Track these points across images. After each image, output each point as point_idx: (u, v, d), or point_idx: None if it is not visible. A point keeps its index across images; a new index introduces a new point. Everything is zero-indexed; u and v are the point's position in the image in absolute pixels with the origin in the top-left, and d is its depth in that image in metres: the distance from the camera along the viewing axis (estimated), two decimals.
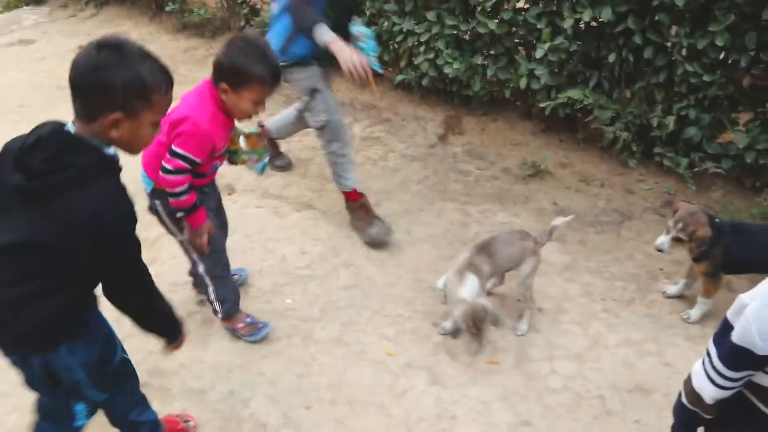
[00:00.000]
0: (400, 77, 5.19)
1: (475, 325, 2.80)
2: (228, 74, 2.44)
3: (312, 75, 3.51)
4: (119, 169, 1.79)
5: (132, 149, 1.82)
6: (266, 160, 2.87)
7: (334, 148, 3.62)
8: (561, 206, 4.04)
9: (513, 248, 3.02)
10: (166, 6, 6.96)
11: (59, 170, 1.64)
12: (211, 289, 2.93)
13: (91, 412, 2.10)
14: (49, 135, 1.68)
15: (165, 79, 1.76)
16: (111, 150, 1.76)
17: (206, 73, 5.72)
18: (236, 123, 2.66)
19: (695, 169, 4.00)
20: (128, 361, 2.22)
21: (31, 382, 1.94)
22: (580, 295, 3.34)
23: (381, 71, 3.52)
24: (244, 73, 2.42)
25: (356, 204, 3.76)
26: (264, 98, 2.51)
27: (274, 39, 3.39)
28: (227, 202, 4.01)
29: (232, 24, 6.71)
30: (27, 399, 2.64)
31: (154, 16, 7.35)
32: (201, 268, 2.87)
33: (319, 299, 3.30)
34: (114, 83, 1.65)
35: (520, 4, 4.37)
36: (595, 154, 4.49)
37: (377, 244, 3.66)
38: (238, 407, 2.70)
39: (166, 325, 2.10)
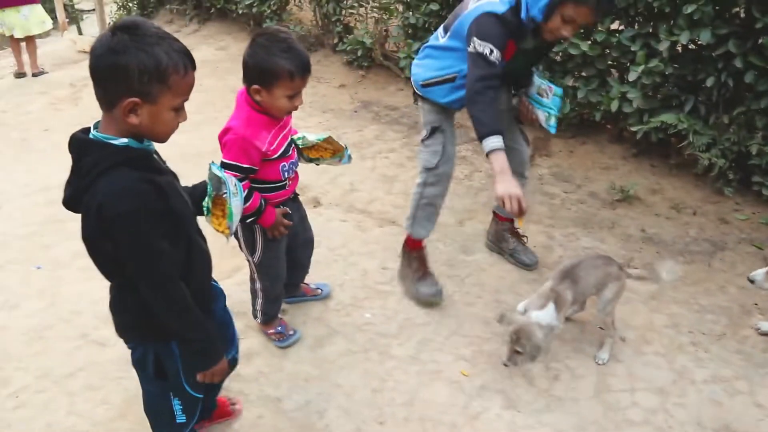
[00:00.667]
0: None
1: (519, 341, 2.72)
2: (256, 74, 2.39)
3: (439, 107, 3.29)
4: (142, 158, 1.75)
5: (157, 136, 1.76)
6: (348, 153, 2.97)
7: (429, 192, 3.36)
8: (649, 233, 3.93)
9: (597, 273, 2.95)
10: (264, 23, 7.20)
11: (80, 176, 1.70)
12: (260, 302, 3.03)
13: (188, 412, 2.18)
14: (71, 146, 1.73)
15: (183, 59, 1.67)
16: (124, 140, 1.69)
17: None
18: (305, 133, 2.72)
19: None
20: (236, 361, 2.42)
21: (139, 366, 2.06)
22: (665, 326, 3.23)
23: (554, 132, 3.44)
24: (271, 71, 2.35)
25: (415, 254, 3.49)
26: (298, 91, 2.44)
27: (424, 70, 3.24)
28: (312, 214, 4.11)
29: (325, 41, 6.87)
30: (115, 393, 2.79)
31: (252, 32, 7.60)
32: (258, 285, 2.97)
33: (398, 315, 3.31)
34: (129, 66, 1.59)
35: (614, 26, 4.30)
36: (689, 181, 4.35)
37: (425, 304, 3.40)
38: (313, 417, 2.74)
39: (196, 354, 1.98)
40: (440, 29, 3.23)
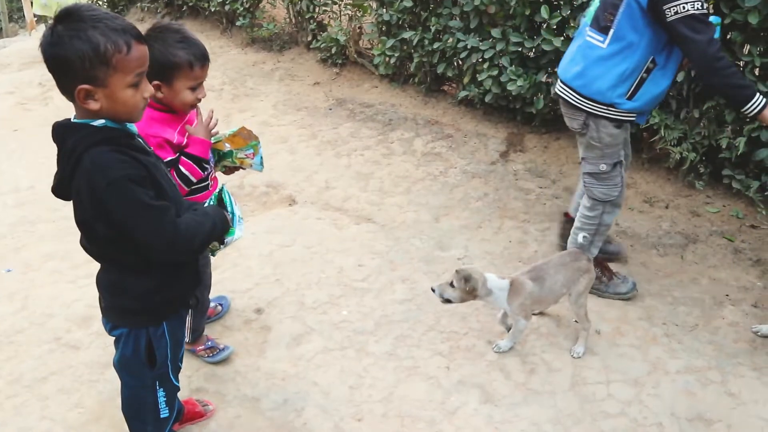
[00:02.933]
0: (462, 93, 5.19)
1: (458, 276, 2.83)
2: (154, 70, 2.13)
3: (621, 140, 3.13)
4: (122, 137, 1.76)
5: (123, 117, 1.75)
6: (261, 152, 2.68)
7: (606, 220, 3.28)
8: (623, 227, 3.97)
9: (565, 272, 2.99)
10: (237, 21, 7.15)
11: (64, 160, 1.74)
12: (188, 320, 2.85)
13: (170, 404, 2.20)
14: (54, 132, 1.77)
15: (123, 36, 1.65)
16: (101, 121, 1.72)
17: (273, 86, 5.86)
18: (216, 129, 2.55)
19: (766, 193, 3.87)
20: None
21: (129, 360, 2.07)
22: (640, 319, 3.26)
23: None
24: (169, 63, 2.26)
25: (600, 265, 3.41)
26: (200, 82, 2.36)
27: (602, 81, 2.95)
28: (287, 213, 4.11)
29: (299, 39, 6.84)
30: (89, 397, 2.75)
31: (225, 30, 7.54)
32: None
33: (374, 312, 3.31)
34: (68, 56, 1.60)
35: None
36: (661, 175, 4.39)
37: (627, 299, 3.40)
38: (290, 416, 2.73)
39: (217, 232, 1.99)
40: (587, 33, 3.00)
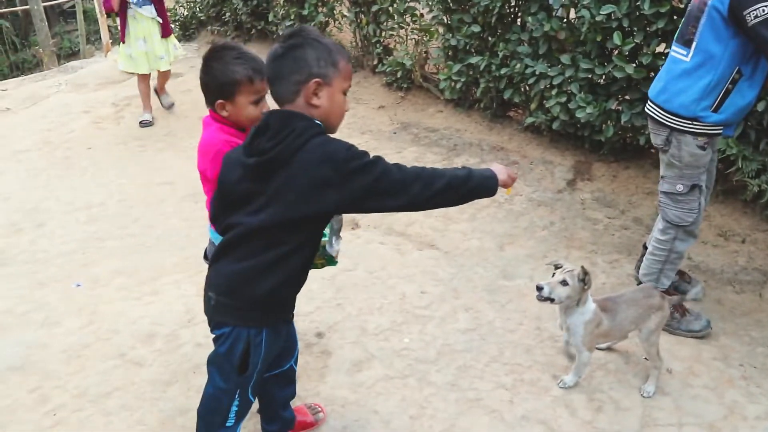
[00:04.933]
0: (530, 119, 5.12)
1: (584, 275, 2.71)
2: (217, 89, 2.36)
3: (704, 160, 3.04)
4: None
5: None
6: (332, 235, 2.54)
7: (679, 247, 3.20)
8: (696, 261, 3.82)
9: (636, 309, 2.88)
10: None
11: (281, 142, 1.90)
12: None
13: (238, 415, 2.23)
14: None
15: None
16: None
17: None
18: None
19: None
20: (294, 370, 2.52)
21: (222, 359, 2.11)
22: (714, 359, 3.12)
23: None
24: (230, 80, 2.33)
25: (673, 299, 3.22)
26: (261, 95, 2.40)
27: (686, 95, 2.92)
28: (350, 236, 4.10)
29: (365, 62, 6.89)
30: (151, 414, 2.78)
31: None
32: None
33: (437, 341, 3.25)
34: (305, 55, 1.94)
35: (660, 48, 4.22)
36: (737, 208, 4.23)
37: (701, 337, 3.27)
38: None
39: (473, 190, 2.03)
40: (673, 49, 3.02)
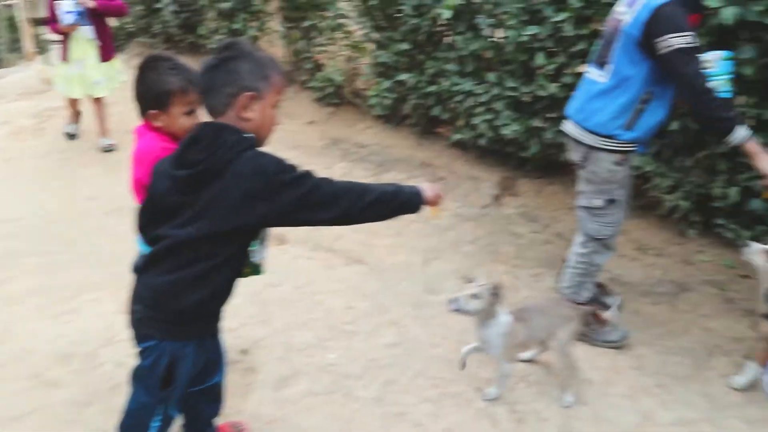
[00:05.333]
0: (457, 136, 5.21)
1: (494, 289, 2.75)
2: (151, 99, 2.36)
3: (620, 175, 3.14)
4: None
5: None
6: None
7: (597, 260, 3.31)
8: (614, 274, 3.95)
9: (548, 317, 2.96)
10: None
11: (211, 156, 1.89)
12: None
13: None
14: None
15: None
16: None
17: None
18: None
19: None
20: (220, 386, 2.44)
21: (146, 372, 2.07)
22: (631, 368, 3.22)
23: (730, 96, 2.98)
24: (164, 90, 2.33)
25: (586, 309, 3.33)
26: (194, 107, 2.40)
27: (602, 114, 3.03)
28: (277, 252, 4.07)
29: (295, 77, 6.88)
30: None
31: None
32: None
33: (363, 356, 3.26)
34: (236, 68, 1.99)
35: (581, 69, 4.36)
36: (653, 223, 4.39)
37: (618, 347, 3.38)
38: None
39: (402, 205, 2.10)
40: (591, 70, 3.13)
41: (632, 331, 3.44)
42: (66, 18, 5.49)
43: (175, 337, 2.05)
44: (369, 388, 3.05)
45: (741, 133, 2.78)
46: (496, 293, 2.74)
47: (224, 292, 2.08)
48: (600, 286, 3.63)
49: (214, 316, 2.15)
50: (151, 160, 2.31)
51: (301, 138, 5.89)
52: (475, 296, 2.72)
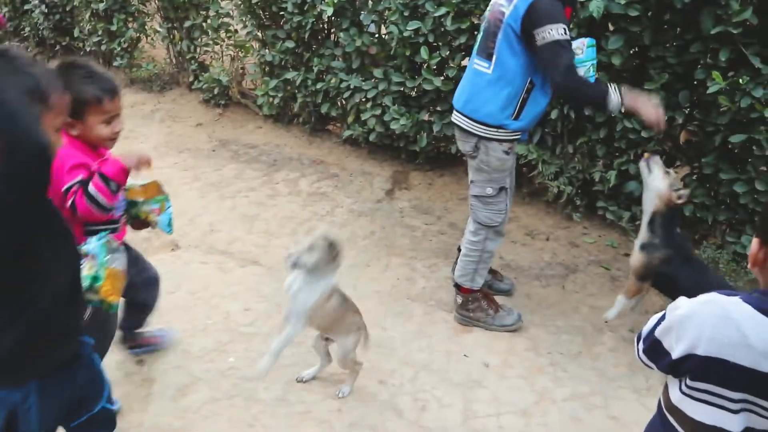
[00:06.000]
0: (347, 133, 5.23)
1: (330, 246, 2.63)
2: None
3: (509, 163, 3.27)
4: None
5: None
6: (170, 210, 2.62)
7: (489, 246, 3.40)
8: (507, 260, 4.07)
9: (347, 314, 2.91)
10: (114, 61, 6.94)
11: None
12: None
13: None
14: None
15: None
16: None
17: (154, 127, 5.68)
18: (130, 180, 2.45)
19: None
20: (108, 411, 2.06)
21: None
22: (526, 350, 3.33)
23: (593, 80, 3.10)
24: (78, 100, 2.20)
25: (479, 295, 3.49)
26: (113, 115, 2.35)
27: (492, 104, 3.11)
28: (170, 258, 3.96)
29: (180, 79, 6.70)
30: None
31: None
32: None
33: (263, 357, 3.21)
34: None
35: (464, 62, 4.46)
36: (541, 208, 4.56)
37: (512, 331, 3.47)
38: None
39: None
40: (475, 61, 3.18)
41: (526, 314, 3.56)
42: None
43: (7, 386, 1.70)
44: (271, 390, 3.02)
45: (614, 100, 2.92)
46: (333, 245, 2.63)
47: (45, 328, 1.70)
48: (493, 272, 3.74)
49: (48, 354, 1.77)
50: (71, 166, 2.27)
51: (189, 141, 5.73)
52: (311, 248, 2.62)
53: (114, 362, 3.11)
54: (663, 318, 1.49)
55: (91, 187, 2.27)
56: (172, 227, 2.65)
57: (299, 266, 2.63)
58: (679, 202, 3.02)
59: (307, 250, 2.61)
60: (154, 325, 3.22)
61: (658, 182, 3.03)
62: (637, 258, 3.10)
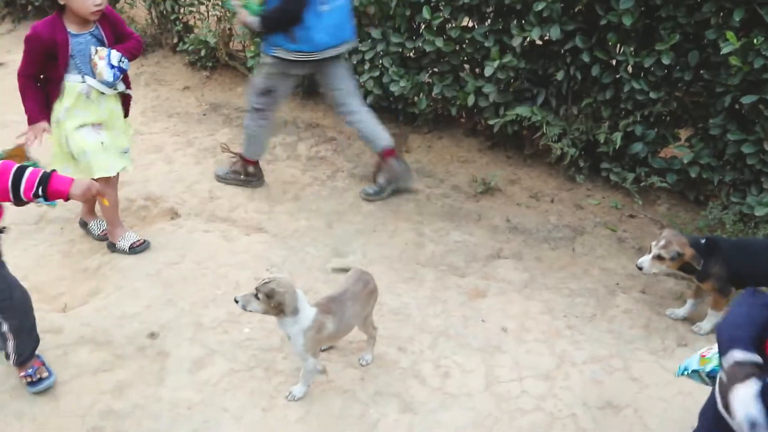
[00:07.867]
0: None
1: (267, 297, 2.51)
2: None
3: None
4: None
5: None
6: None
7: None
8: (514, 223, 4.05)
9: (360, 302, 2.80)
10: None
11: None
12: (11, 344, 2.67)
13: None
14: None
15: None
16: None
17: (140, 91, 5.51)
18: None
19: (641, 184, 4.08)
20: None
21: None
22: (542, 313, 3.33)
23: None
24: None
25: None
26: None
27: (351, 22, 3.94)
28: (171, 227, 3.86)
29: (163, 41, 6.50)
30: None
31: None
32: (4, 327, 2.63)
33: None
34: None
35: (466, 23, 4.38)
36: (543, 170, 4.53)
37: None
38: None
39: None
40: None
41: (537, 277, 3.57)
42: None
43: None
44: (290, 359, 2.98)
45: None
46: (269, 296, 2.50)
47: None
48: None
49: None
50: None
51: (177, 105, 5.58)
52: (256, 296, 2.54)
53: (125, 337, 3.06)
54: None
55: (26, 174, 2.23)
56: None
57: (249, 311, 2.59)
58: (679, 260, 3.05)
59: (251, 297, 2.55)
60: (152, 306, 3.21)
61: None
62: (709, 286, 3.13)
